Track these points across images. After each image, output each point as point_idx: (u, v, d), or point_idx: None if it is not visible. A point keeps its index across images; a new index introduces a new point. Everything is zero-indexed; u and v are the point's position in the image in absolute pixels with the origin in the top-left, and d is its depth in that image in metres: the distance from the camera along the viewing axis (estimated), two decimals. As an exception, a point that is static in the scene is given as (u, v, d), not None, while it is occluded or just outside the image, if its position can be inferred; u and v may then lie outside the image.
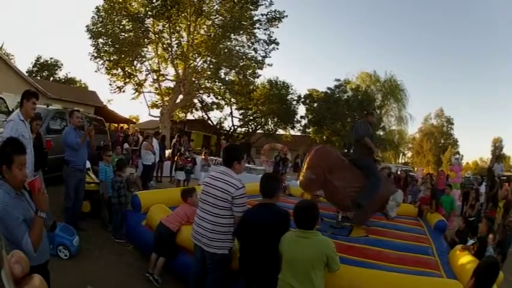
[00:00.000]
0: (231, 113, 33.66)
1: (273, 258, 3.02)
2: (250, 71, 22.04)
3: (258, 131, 33.82)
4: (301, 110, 33.38)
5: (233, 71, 21.57)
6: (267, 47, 21.41)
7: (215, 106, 30.31)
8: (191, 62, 20.37)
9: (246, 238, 3.24)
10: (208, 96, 26.39)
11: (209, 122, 33.25)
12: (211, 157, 15.77)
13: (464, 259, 4.26)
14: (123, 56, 19.48)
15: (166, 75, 21.82)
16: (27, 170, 2.37)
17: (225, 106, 31.20)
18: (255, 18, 20.43)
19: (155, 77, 21.25)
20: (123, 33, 19.32)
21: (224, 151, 3.78)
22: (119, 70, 20.61)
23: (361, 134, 5.94)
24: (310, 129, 33.42)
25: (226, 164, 3.48)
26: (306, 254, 2.79)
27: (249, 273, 3.21)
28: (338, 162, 5.87)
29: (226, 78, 22.10)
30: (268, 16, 20.51)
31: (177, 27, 19.95)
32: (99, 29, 19.32)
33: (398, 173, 13.98)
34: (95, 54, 19.85)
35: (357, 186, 5.78)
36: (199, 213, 3.47)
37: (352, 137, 6.42)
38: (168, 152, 13.21)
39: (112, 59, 19.94)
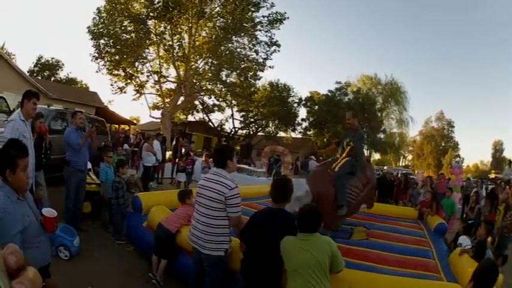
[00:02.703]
0: (232, 115, 33.68)
1: (278, 262, 3.03)
2: (251, 73, 22.04)
3: (259, 133, 33.76)
4: (302, 112, 33.39)
5: (234, 73, 21.59)
6: (268, 48, 21.43)
7: (216, 108, 30.30)
8: (192, 63, 20.37)
9: (253, 241, 3.25)
10: (210, 98, 26.39)
11: (210, 124, 33.23)
12: (212, 159, 15.73)
13: (464, 262, 4.26)
14: (124, 56, 19.47)
15: (168, 76, 21.84)
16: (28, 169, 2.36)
17: (226, 108, 31.24)
18: (256, 20, 20.45)
19: (156, 79, 21.24)
20: (125, 34, 19.31)
21: (215, 153, 3.78)
22: (120, 71, 20.59)
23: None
24: (311, 132, 33.44)
25: (219, 165, 3.47)
26: (313, 256, 2.81)
27: (252, 276, 3.20)
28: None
29: (228, 80, 22.13)
30: (269, 18, 20.53)
31: (179, 29, 19.94)
32: (101, 29, 19.32)
33: (398, 176, 13.91)
34: (96, 55, 19.85)
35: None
36: (194, 215, 3.47)
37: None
38: (168, 154, 13.20)
39: (113, 59, 19.92)
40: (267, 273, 3.09)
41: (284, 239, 3.02)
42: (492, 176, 30.74)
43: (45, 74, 40.94)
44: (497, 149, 60.02)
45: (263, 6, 20.08)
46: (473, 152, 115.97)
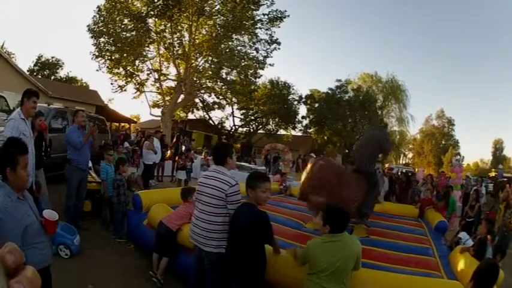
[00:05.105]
0: (233, 112, 33.67)
1: (251, 260, 3.02)
2: (251, 71, 21.94)
3: (259, 131, 33.73)
4: (303, 110, 33.37)
5: (234, 70, 21.48)
6: (268, 46, 21.34)
7: (216, 106, 30.27)
8: (193, 61, 20.30)
9: (230, 237, 3.23)
10: (210, 96, 26.36)
11: (210, 121, 33.22)
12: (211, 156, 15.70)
13: (465, 260, 4.26)
14: (124, 55, 19.39)
15: (168, 74, 21.78)
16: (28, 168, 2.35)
17: (227, 106, 31.18)
18: (257, 18, 20.37)
19: (157, 77, 21.19)
20: (125, 33, 19.25)
21: (214, 150, 3.79)
22: (121, 69, 20.51)
23: (389, 147, 6.26)
24: (312, 130, 33.40)
25: (218, 162, 3.46)
26: (345, 256, 2.83)
27: (234, 272, 3.19)
28: (344, 174, 5.95)
29: (228, 78, 22.04)
30: (269, 16, 20.46)
31: (179, 27, 19.88)
32: (101, 28, 19.26)
33: (399, 174, 13.89)
34: (97, 54, 19.79)
35: (360, 195, 5.90)
36: (195, 213, 3.46)
37: (366, 144, 6.44)
38: (169, 152, 13.20)
39: (113, 58, 19.86)
40: (241, 271, 3.08)
41: (311, 243, 3.01)
42: (492, 174, 30.72)
43: (45, 73, 40.82)
44: (498, 147, 60.05)
45: (263, 4, 20.02)
46: (474, 151, 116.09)
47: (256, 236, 3.06)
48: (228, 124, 34.88)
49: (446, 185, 9.98)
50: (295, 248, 3.32)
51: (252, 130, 34.31)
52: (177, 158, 11.61)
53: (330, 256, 2.82)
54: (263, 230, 3.09)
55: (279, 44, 21.46)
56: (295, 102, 32.26)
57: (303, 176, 6.15)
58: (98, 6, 19.48)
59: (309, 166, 6.24)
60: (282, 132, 33.43)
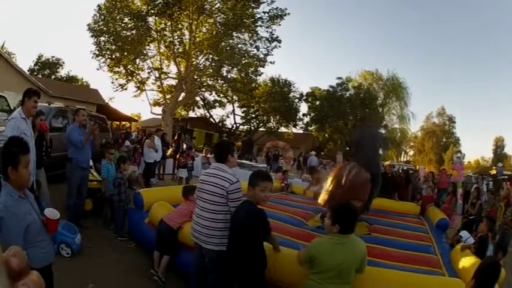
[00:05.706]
0: (233, 110, 33.74)
1: (250, 258, 3.01)
2: (252, 69, 21.92)
3: (260, 129, 33.79)
4: (304, 107, 33.37)
5: (235, 68, 21.45)
6: (269, 44, 21.25)
7: (217, 104, 30.30)
8: (193, 59, 20.26)
9: (230, 235, 3.24)
10: (210, 94, 26.33)
11: (211, 119, 33.25)
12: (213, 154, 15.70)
13: (466, 258, 4.26)
14: (125, 54, 19.37)
15: (169, 73, 21.76)
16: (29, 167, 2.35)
17: (227, 104, 31.22)
18: (257, 16, 20.33)
19: (157, 75, 21.18)
20: (125, 31, 19.24)
21: (216, 147, 3.80)
22: (121, 68, 20.51)
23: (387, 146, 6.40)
24: (312, 127, 33.39)
25: (219, 160, 3.46)
26: (351, 258, 2.82)
27: (231, 270, 3.18)
28: (367, 182, 5.94)
29: (229, 76, 22.02)
30: (270, 14, 20.40)
31: (179, 25, 19.85)
32: (101, 27, 19.25)
33: (399, 171, 13.84)
34: (97, 52, 19.79)
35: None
36: (196, 210, 3.46)
37: (368, 144, 6.49)
38: (170, 150, 13.21)
39: (114, 56, 19.85)
40: (241, 268, 3.07)
41: (319, 241, 3.00)
42: (493, 172, 30.70)
43: (45, 72, 40.87)
44: (498, 145, 59.95)
45: (263, 2, 19.97)
46: (475, 148, 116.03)
47: (254, 234, 3.06)
48: (229, 122, 35.00)
49: (453, 182, 10.01)
50: (299, 252, 3.29)
51: (252, 128, 34.32)
52: (178, 156, 11.61)
53: (337, 256, 2.80)
54: (259, 228, 3.09)
55: (279, 41, 21.40)
56: (296, 100, 32.30)
57: (329, 183, 5.98)
58: (98, 5, 19.48)
59: (332, 173, 6.13)
60: (283, 130, 33.49)
